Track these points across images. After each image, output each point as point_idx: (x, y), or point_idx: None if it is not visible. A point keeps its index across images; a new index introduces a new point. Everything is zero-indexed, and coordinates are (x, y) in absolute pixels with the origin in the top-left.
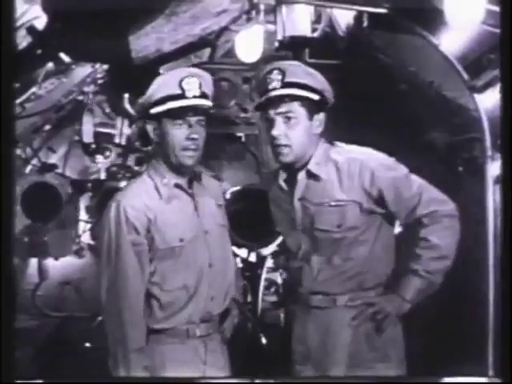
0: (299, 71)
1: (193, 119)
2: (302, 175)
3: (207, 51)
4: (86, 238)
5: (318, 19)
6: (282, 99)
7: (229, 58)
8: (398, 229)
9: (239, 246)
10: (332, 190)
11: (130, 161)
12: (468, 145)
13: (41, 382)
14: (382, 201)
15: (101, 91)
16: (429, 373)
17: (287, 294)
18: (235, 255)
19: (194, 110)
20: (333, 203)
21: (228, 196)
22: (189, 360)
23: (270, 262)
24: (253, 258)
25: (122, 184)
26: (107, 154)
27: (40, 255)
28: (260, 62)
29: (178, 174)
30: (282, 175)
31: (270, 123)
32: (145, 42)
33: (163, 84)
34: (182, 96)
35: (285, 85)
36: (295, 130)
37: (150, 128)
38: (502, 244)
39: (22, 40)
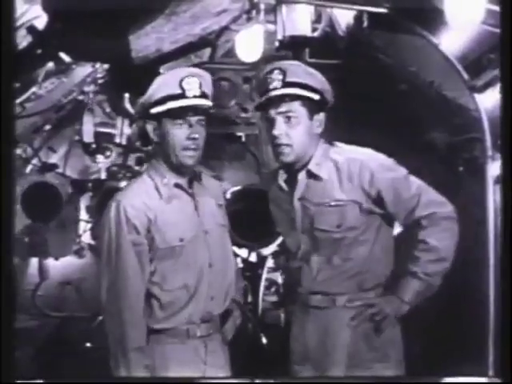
0: (300, 71)
1: (193, 119)
2: (302, 175)
3: (207, 51)
4: (86, 238)
5: (318, 19)
6: (282, 99)
7: (229, 57)
8: (397, 230)
9: (240, 246)
10: (332, 190)
11: (131, 160)
12: (468, 145)
13: (41, 382)
14: (381, 201)
15: (101, 91)
16: (429, 373)
17: (286, 293)
18: (236, 255)
19: (195, 109)
20: (333, 203)
21: (228, 196)
22: (189, 360)
23: (270, 262)
24: (253, 258)
25: (123, 184)
26: (107, 153)
27: (40, 255)
28: (260, 62)
29: (178, 173)
30: (282, 175)
31: (271, 123)
32: (145, 41)
33: (163, 84)
34: (182, 96)
35: (285, 84)
36: (296, 130)
37: (150, 128)
38: (502, 244)
39: (23, 40)
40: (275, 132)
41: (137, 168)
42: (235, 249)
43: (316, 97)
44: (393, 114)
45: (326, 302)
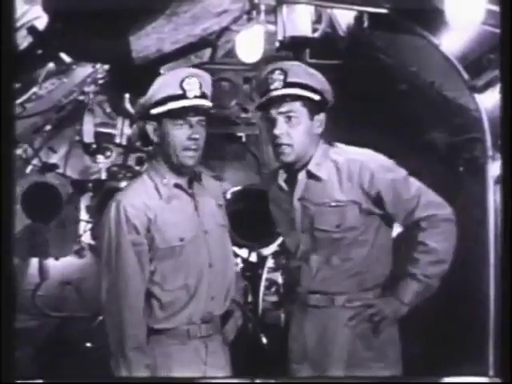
0: (301, 71)
1: (194, 119)
2: (302, 175)
3: (208, 51)
4: (86, 238)
5: (318, 19)
6: (283, 99)
7: (229, 58)
8: (396, 231)
9: (240, 246)
10: (332, 190)
11: (131, 161)
12: (468, 145)
13: (41, 382)
14: (381, 202)
15: (101, 91)
16: (429, 373)
17: (286, 293)
18: (236, 255)
19: (195, 110)
20: (333, 203)
21: (229, 196)
22: (189, 361)
23: (270, 262)
24: (253, 258)
25: (123, 184)
26: (108, 153)
27: (40, 255)
28: (261, 62)
29: (178, 174)
30: (282, 175)
31: (272, 123)
32: (145, 42)
33: (164, 84)
34: (183, 96)
35: (287, 85)
36: (297, 130)
37: (150, 128)
38: (502, 244)
39: (23, 40)
40: (276, 131)
41: (137, 168)
42: (235, 249)
43: (316, 97)
44: (393, 114)
45: (325, 301)
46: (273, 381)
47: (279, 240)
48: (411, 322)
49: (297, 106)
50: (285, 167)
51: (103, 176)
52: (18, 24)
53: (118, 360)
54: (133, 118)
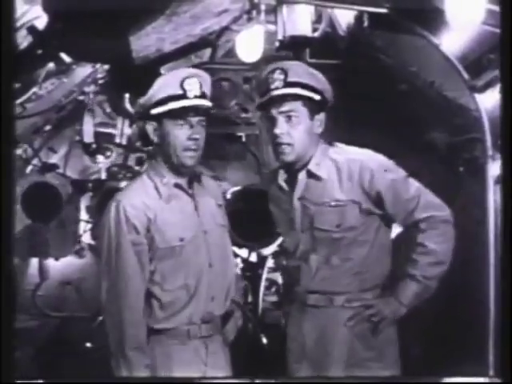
0: (301, 71)
1: (194, 119)
2: (302, 175)
3: (208, 51)
4: (86, 238)
5: (318, 19)
6: (284, 98)
7: (229, 57)
8: (395, 232)
9: (240, 246)
10: (332, 189)
11: (131, 161)
12: (468, 145)
13: (41, 382)
14: (381, 202)
15: (101, 91)
16: (429, 373)
17: (284, 293)
18: (236, 255)
19: (195, 110)
20: (333, 203)
21: (229, 196)
22: (190, 361)
23: (270, 262)
24: (253, 258)
25: (123, 184)
26: (108, 154)
27: (40, 255)
28: (261, 62)
29: (177, 174)
30: (282, 175)
31: (272, 122)
32: (145, 42)
33: (164, 85)
34: (183, 96)
35: (287, 84)
36: (297, 129)
37: (150, 128)
38: (502, 244)
39: (23, 40)
40: (277, 131)
41: (137, 168)
42: (235, 249)
43: (317, 97)
44: (393, 114)
45: (324, 301)
46: (273, 381)
47: (279, 240)
48: (411, 322)
49: (297, 105)
50: (285, 167)
51: (103, 176)
52: (18, 24)
53: (118, 360)
54: (133, 118)
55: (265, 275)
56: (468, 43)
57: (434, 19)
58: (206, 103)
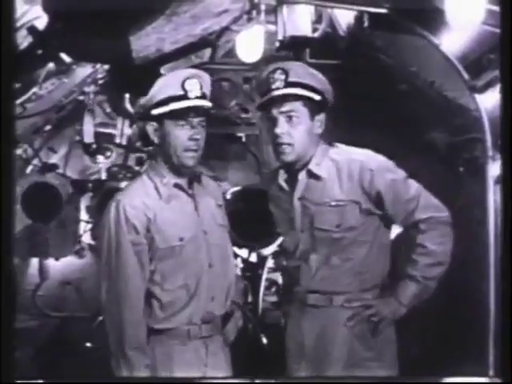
0: (302, 71)
1: (195, 120)
2: (302, 175)
3: (208, 51)
4: (86, 238)
5: (318, 19)
6: (285, 98)
7: (229, 58)
8: (395, 232)
9: (240, 246)
10: (332, 189)
11: (131, 161)
12: (468, 145)
13: (41, 382)
14: (381, 202)
15: (101, 91)
16: (429, 373)
17: (284, 292)
18: (236, 255)
19: (196, 110)
20: (333, 203)
21: (229, 196)
22: (190, 361)
23: (270, 263)
24: (253, 258)
25: (123, 184)
26: (108, 154)
27: (40, 255)
28: (261, 62)
29: (178, 174)
30: (283, 175)
31: (273, 122)
32: (145, 42)
33: (165, 85)
34: (184, 97)
35: (288, 84)
36: (297, 129)
37: (150, 129)
38: (502, 244)
39: (23, 40)
40: (277, 130)
41: (137, 168)
42: (235, 249)
43: (317, 97)
44: (393, 114)
45: (324, 301)
46: (273, 381)
47: (279, 240)
48: (412, 323)
49: (298, 105)
50: (285, 167)
51: (103, 176)
52: (18, 24)
53: (119, 360)
54: (133, 119)
55: (265, 275)
56: (468, 43)
57: (434, 19)
58: (207, 104)
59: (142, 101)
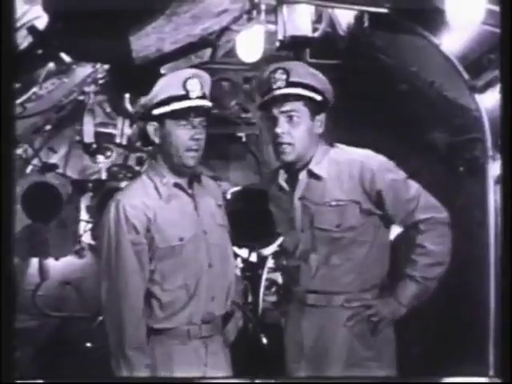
0: (303, 71)
1: (196, 120)
2: (303, 175)
3: (208, 51)
4: (86, 238)
5: (318, 19)
6: (286, 98)
7: (230, 58)
8: (395, 232)
9: (240, 246)
10: (332, 189)
11: (131, 161)
12: (469, 145)
13: (41, 382)
14: (381, 201)
15: (101, 91)
16: (429, 373)
17: (284, 292)
18: (236, 255)
19: (197, 110)
20: (333, 203)
21: (229, 196)
22: (189, 361)
23: (270, 262)
24: (254, 258)
25: (123, 184)
26: (108, 153)
27: (40, 255)
28: (261, 62)
29: (178, 174)
30: (283, 175)
31: (274, 122)
32: (145, 42)
33: (166, 85)
34: (185, 97)
35: (289, 84)
36: (298, 129)
37: (151, 129)
38: (502, 244)
39: (23, 40)
40: (278, 130)
41: (137, 168)
42: (235, 249)
43: (318, 97)
44: (393, 115)
45: (323, 300)
46: (273, 381)
47: (279, 240)
48: (412, 323)
49: (298, 105)
50: (285, 167)
51: (103, 176)
52: (18, 24)
53: (119, 360)
54: (133, 119)
55: (265, 275)
56: (468, 43)
57: (434, 19)
58: (207, 104)
59: (143, 101)
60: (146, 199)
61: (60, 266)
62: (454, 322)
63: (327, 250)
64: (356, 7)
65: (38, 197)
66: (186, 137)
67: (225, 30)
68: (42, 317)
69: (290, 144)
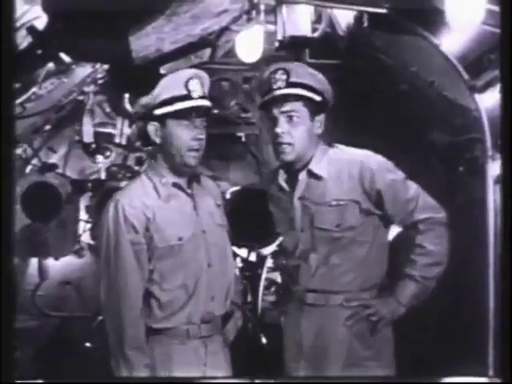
0: (303, 72)
1: (197, 120)
2: (302, 175)
3: (207, 51)
4: (86, 238)
5: (318, 19)
6: (286, 98)
7: (229, 58)
8: (395, 232)
9: (239, 245)
10: (332, 189)
11: (131, 161)
12: (469, 145)
13: (41, 382)
14: (380, 201)
15: (101, 91)
16: (429, 373)
17: (283, 292)
18: (235, 255)
19: (199, 110)
20: (333, 202)
21: (228, 196)
22: (189, 361)
23: (270, 262)
24: (253, 257)
25: (123, 184)
26: (107, 153)
27: (40, 255)
28: (260, 62)
29: (177, 174)
30: (283, 175)
31: (273, 121)
32: (145, 42)
33: (169, 85)
34: (188, 97)
35: (289, 84)
36: (298, 129)
37: (152, 129)
38: (502, 244)
39: (23, 40)
40: (278, 130)
41: (137, 168)
42: (235, 249)
43: (318, 98)
44: (393, 115)
45: (323, 300)
46: (272, 381)
47: (278, 240)
48: (411, 322)
49: (298, 105)
50: (285, 167)
51: (103, 176)
52: (18, 24)
53: (118, 360)
54: (133, 119)
55: (264, 275)
56: (468, 43)
57: (433, 19)
58: (208, 103)
59: (144, 101)
60: (145, 199)
61: (59, 265)
62: (453, 322)
63: (327, 249)
64: (355, 7)
65: (37, 197)
66: (189, 137)
67: (224, 30)
68: (42, 317)
69: (289, 144)
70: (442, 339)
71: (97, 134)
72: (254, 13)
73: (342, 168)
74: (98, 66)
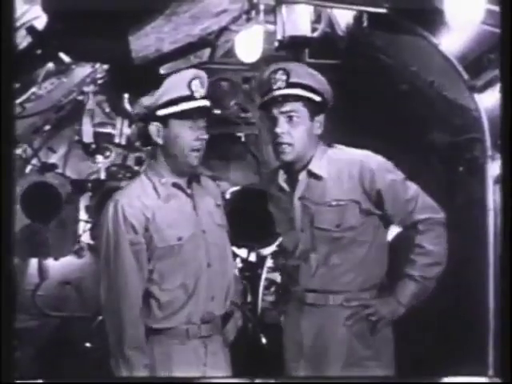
0: (303, 72)
1: (200, 120)
2: (303, 175)
3: (207, 51)
4: (85, 238)
5: (317, 19)
6: (286, 99)
7: (229, 58)
8: (394, 232)
9: (239, 246)
10: (332, 189)
11: (130, 161)
12: (468, 145)
13: (41, 382)
14: (380, 201)
15: (101, 91)
16: (429, 373)
17: (283, 292)
18: (235, 255)
19: (200, 110)
20: (333, 202)
21: (228, 196)
22: (189, 361)
23: (269, 262)
24: (253, 257)
25: (122, 184)
26: (107, 153)
27: (40, 255)
28: (260, 62)
29: (178, 174)
30: (282, 175)
31: (273, 122)
32: (145, 42)
33: (172, 86)
34: (191, 97)
35: (289, 85)
36: (297, 130)
37: (154, 129)
38: (502, 244)
39: (22, 40)
40: (278, 130)
41: (136, 168)
42: (235, 249)
43: (317, 98)
44: (393, 115)
45: (323, 299)
46: (272, 381)
47: (278, 240)
48: (411, 322)
49: (298, 106)
50: (284, 167)
51: (102, 176)
52: (18, 24)
53: (118, 360)
54: (134, 119)
55: (264, 275)
56: (468, 43)
57: (433, 19)
58: (208, 103)
59: (146, 101)
60: (145, 199)
61: (59, 265)
62: (453, 322)
63: (327, 249)
64: (355, 7)
65: (37, 197)
66: (192, 137)
67: (224, 30)
68: (42, 317)
69: (289, 144)
70: (441, 339)
71: (96, 134)
72: (253, 13)
73: (342, 168)
74: (97, 65)
